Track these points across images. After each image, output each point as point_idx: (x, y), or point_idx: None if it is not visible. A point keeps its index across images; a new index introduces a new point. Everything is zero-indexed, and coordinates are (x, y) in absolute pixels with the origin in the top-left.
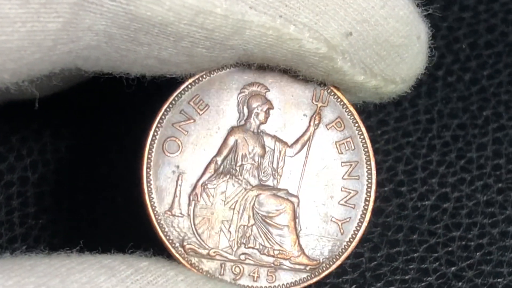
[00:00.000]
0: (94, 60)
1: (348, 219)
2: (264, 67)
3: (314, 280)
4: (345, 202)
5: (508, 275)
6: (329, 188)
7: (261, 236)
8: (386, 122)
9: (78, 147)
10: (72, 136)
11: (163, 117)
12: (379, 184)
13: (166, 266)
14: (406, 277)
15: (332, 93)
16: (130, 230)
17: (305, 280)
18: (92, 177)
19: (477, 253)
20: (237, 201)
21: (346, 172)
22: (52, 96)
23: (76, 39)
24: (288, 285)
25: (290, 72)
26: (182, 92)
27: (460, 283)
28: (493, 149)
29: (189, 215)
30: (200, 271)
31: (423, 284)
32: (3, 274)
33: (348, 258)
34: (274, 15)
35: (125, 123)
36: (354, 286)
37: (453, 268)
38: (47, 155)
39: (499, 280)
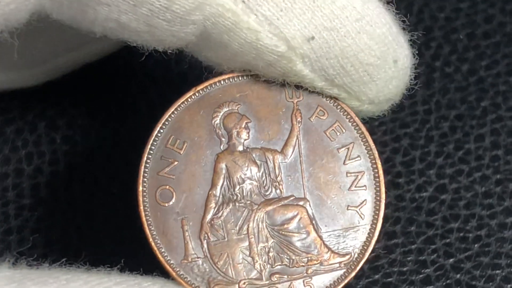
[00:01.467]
0: (59, 4)
1: (364, 202)
2: (226, 89)
3: (353, 274)
4: (356, 186)
5: (506, 266)
6: (334, 178)
7: (285, 251)
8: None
9: (74, 138)
10: (67, 127)
11: (145, 169)
12: None
13: None
14: (404, 269)
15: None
16: (126, 222)
17: (343, 277)
18: (87, 168)
19: (475, 245)
20: (248, 225)
21: (345, 157)
22: (47, 87)
23: None
24: None
25: (254, 78)
26: (156, 138)
27: (458, 275)
28: (491, 140)
29: (206, 256)
30: None
31: (421, 276)
32: (36, 286)
33: (378, 241)
34: None
35: (121, 114)
36: None
37: (451, 260)
38: (42, 146)
39: (497, 271)
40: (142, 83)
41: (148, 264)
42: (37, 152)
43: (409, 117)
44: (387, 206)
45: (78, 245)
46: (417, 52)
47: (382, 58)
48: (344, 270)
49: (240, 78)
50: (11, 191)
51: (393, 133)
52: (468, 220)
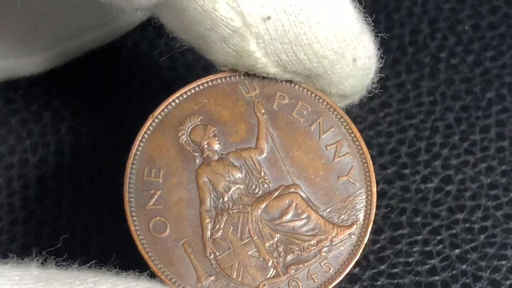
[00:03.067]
0: None
1: (351, 168)
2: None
3: (365, 240)
4: (339, 156)
5: None
6: (316, 155)
7: (292, 241)
8: (389, 104)
9: (78, 129)
10: (72, 117)
11: (131, 208)
12: (382, 167)
13: None
14: (410, 260)
15: (251, 76)
16: None
17: (357, 246)
18: (93, 158)
19: (481, 236)
20: (248, 228)
21: (319, 131)
22: (51, 77)
23: None
24: (347, 262)
25: (206, 85)
26: (131, 175)
27: (464, 266)
28: (496, 131)
29: (218, 271)
30: None
31: (426, 266)
32: (63, 287)
33: (378, 201)
34: None
35: (126, 104)
36: (357, 268)
37: (457, 251)
38: (47, 137)
39: (503, 262)
40: (146, 73)
41: None
42: (42, 142)
43: (415, 108)
44: (392, 197)
45: (84, 236)
46: (382, 55)
47: (340, 53)
48: (356, 239)
49: (193, 91)
50: (16, 182)
51: (399, 124)
52: (474, 211)
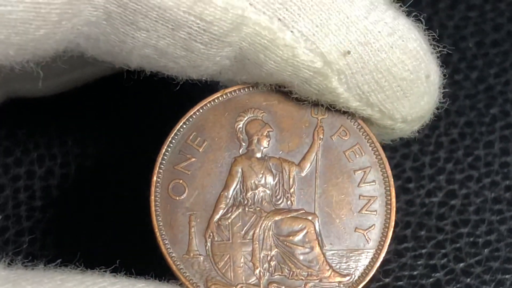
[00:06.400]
0: (95, 40)
1: (372, 227)
2: (255, 94)
3: None
4: (366, 210)
5: None
6: (346, 199)
7: (286, 262)
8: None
9: (85, 141)
10: (78, 130)
11: (163, 161)
12: None
13: None
14: (414, 273)
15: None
16: (136, 225)
17: None
18: (98, 171)
19: (485, 250)
20: (254, 230)
21: (361, 179)
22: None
23: (78, 13)
24: None
25: (283, 89)
26: (177, 133)
27: (468, 279)
28: (500, 146)
29: (208, 254)
30: None
31: (431, 280)
32: (32, 286)
33: (380, 266)
34: (272, 16)
35: (132, 117)
36: None
37: (461, 264)
38: (54, 149)
39: (507, 276)
40: (153, 87)
41: (157, 267)
42: (48, 154)
43: None
44: (397, 210)
45: (88, 247)
46: (444, 71)
47: (415, 72)
48: None
49: (269, 88)
50: (23, 193)
51: (403, 139)
52: (478, 225)
